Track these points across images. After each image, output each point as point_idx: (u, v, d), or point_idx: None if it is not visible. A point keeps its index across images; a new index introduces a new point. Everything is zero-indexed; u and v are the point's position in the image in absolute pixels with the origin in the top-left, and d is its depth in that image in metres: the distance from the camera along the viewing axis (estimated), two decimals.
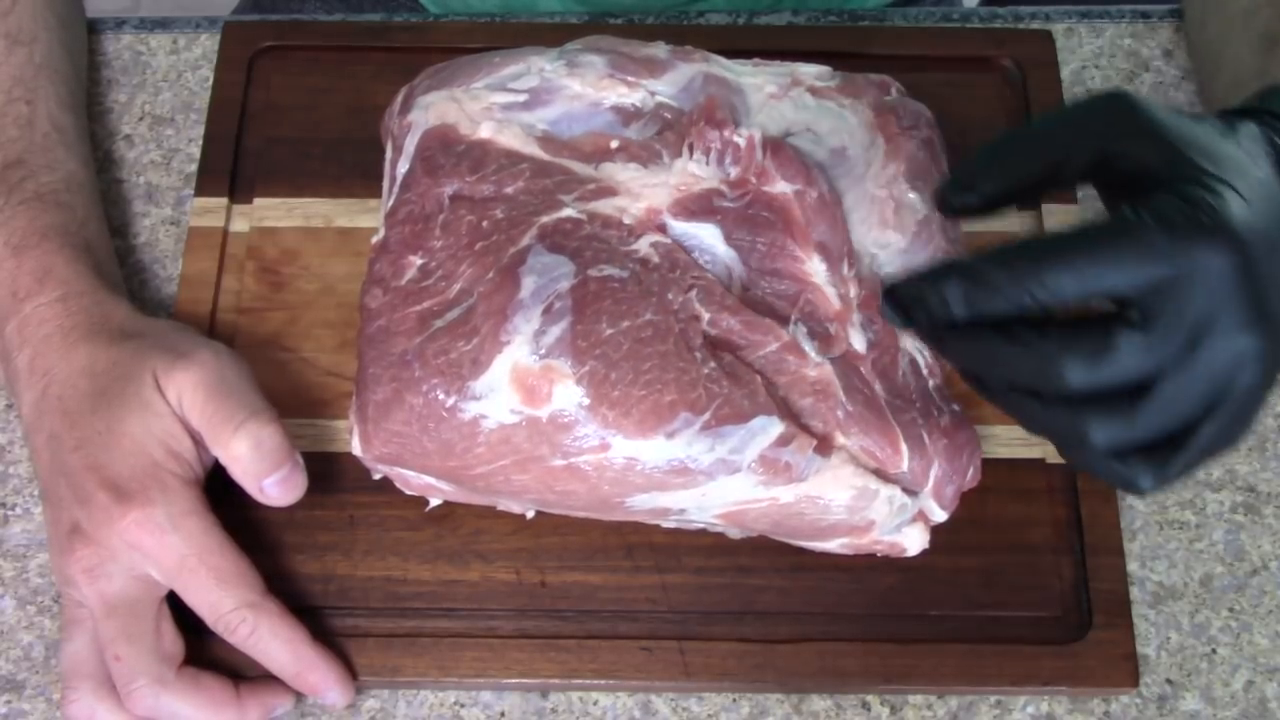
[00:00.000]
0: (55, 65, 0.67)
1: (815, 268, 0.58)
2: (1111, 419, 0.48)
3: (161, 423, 0.56)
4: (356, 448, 0.57)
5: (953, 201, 0.54)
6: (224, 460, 0.57)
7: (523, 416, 0.54)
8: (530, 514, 0.61)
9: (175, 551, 0.55)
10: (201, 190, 0.68)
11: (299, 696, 0.58)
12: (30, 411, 0.58)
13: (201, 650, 0.57)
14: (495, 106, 0.61)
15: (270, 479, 0.56)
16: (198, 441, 0.57)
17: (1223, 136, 0.51)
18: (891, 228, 0.60)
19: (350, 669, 0.58)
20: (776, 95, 0.62)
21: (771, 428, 0.54)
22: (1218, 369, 0.47)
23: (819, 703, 0.60)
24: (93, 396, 0.57)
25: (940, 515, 0.58)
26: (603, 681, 0.59)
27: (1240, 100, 0.56)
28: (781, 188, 0.58)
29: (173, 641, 0.56)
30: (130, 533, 0.54)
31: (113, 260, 0.65)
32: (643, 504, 0.56)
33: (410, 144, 0.60)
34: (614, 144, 0.60)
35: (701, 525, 0.59)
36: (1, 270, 0.60)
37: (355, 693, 0.58)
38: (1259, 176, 0.50)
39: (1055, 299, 0.47)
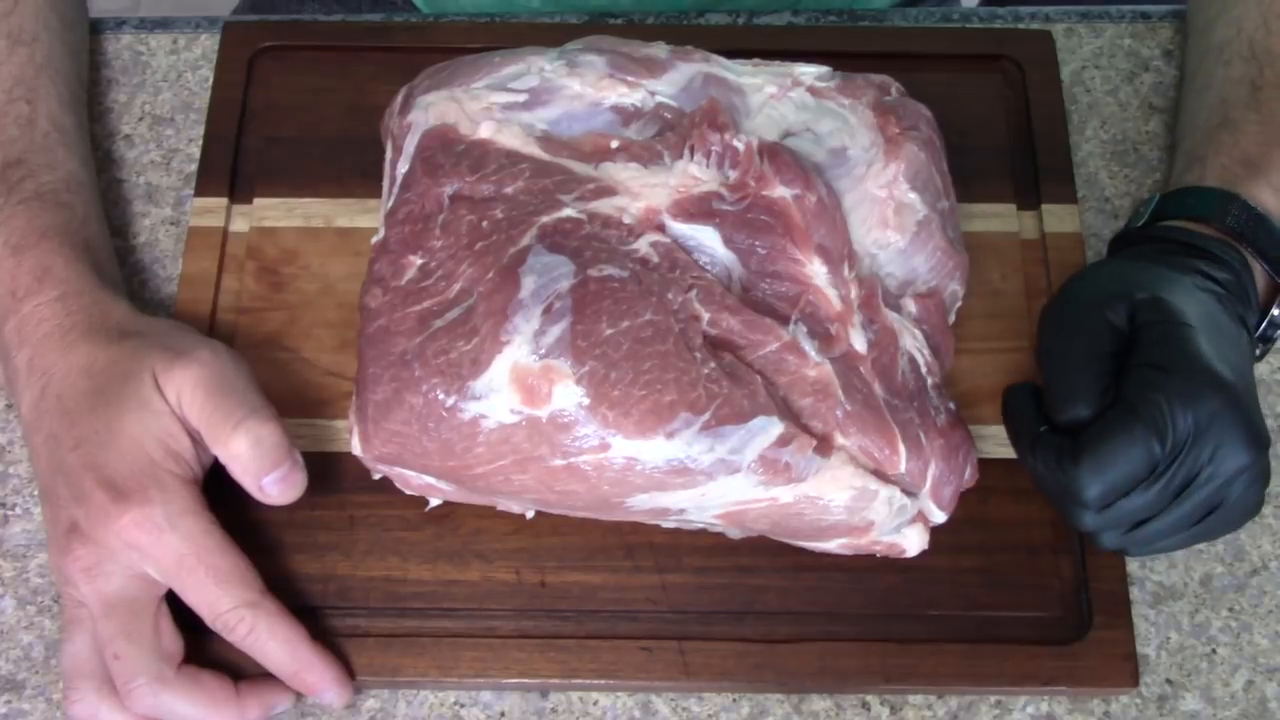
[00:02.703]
0: (56, 65, 0.67)
1: (816, 270, 0.58)
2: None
3: (160, 422, 0.56)
4: (356, 448, 0.57)
5: (1063, 419, 0.56)
6: (223, 458, 0.57)
7: (523, 416, 0.54)
8: (530, 514, 0.61)
9: (173, 551, 0.55)
10: (201, 190, 0.68)
11: (299, 696, 0.58)
12: (29, 411, 0.58)
13: (201, 649, 0.57)
14: (495, 106, 0.61)
15: (269, 477, 0.56)
16: (196, 441, 0.57)
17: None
18: (891, 228, 0.60)
19: (349, 669, 0.58)
20: (776, 95, 0.62)
21: (771, 428, 0.54)
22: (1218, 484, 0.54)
23: (819, 703, 0.59)
24: (91, 395, 0.57)
25: (939, 516, 0.58)
26: (602, 681, 0.59)
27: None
28: (780, 192, 0.58)
29: (172, 640, 0.56)
30: (128, 532, 0.54)
31: (112, 260, 0.65)
32: (643, 504, 0.56)
33: (410, 144, 0.60)
34: (614, 144, 0.60)
35: (701, 525, 0.59)
36: (1, 269, 0.60)
37: (353, 693, 0.58)
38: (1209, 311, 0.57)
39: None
